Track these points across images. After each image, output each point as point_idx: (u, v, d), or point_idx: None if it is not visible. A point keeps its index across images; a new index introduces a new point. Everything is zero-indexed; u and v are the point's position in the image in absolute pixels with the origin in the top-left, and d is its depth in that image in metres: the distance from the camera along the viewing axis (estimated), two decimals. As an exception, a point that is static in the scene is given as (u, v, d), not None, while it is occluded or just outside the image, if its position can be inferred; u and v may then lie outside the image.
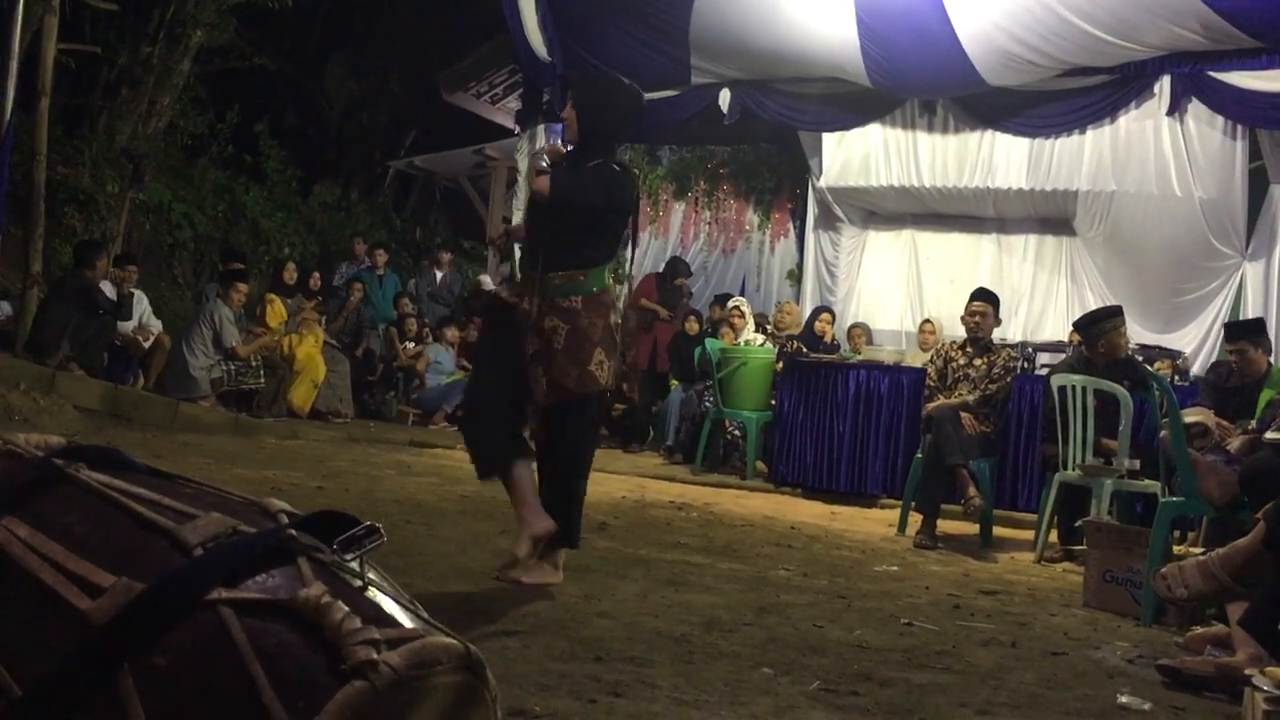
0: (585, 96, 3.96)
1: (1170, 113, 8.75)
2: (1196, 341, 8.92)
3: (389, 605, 1.28)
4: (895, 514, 6.59)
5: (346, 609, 1.19)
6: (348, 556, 1.31)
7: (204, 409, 8.58)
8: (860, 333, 9.90)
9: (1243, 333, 5.85)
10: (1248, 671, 2.94)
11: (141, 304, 9.15)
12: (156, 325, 9.23)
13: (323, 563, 1.28)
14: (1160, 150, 9.03)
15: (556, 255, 3.75)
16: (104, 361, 8.53)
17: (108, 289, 8.61)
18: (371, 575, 1.31)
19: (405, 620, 1.26)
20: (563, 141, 4.16)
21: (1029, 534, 6.25)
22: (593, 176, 3.78)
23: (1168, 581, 3.48)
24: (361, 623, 1.19)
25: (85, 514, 1.34)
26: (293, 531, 1.32)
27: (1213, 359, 8.41)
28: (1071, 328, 7.46)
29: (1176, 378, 7.68)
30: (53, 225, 9.68)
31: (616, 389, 4.02)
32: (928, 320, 9.64)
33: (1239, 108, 8.36)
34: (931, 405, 6.30)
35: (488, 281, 4.04)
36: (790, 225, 11.61)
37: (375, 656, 1.15)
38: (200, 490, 1.45)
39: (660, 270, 11.04)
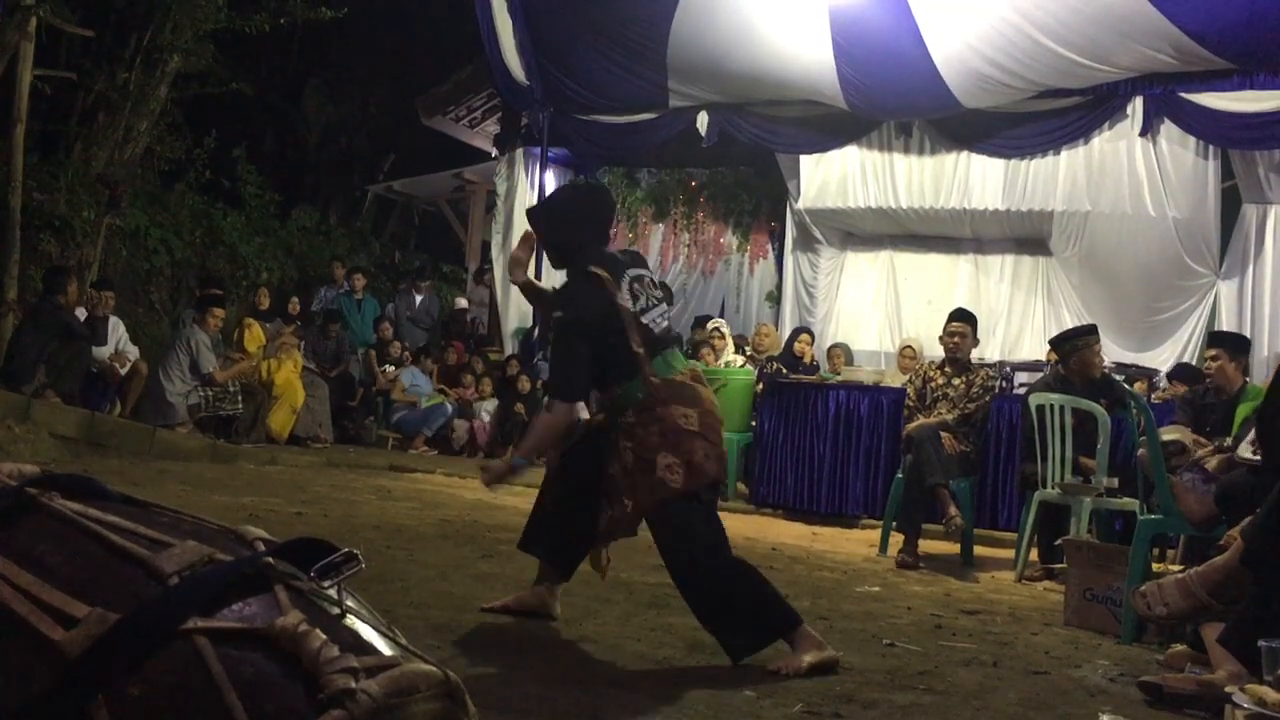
0: (543, 214, 3.86)
1: (1143, 133, 8.84)
2: (1172, 360, 8.97)
3: (367, 632, 1.27)
4: (876, 534, 6.59)
5: (324, 637, 1.19)
6: (325, 584, 1.30)
7: (181, 435, 8.52)
8: (839, 353, 9.92)
9: (1222, 341, 5.90)
10: (1228, 689, 2.95)
11: (118, 330, 9.09)
12: (133, 351, 9.17)
13: (300, 590, 1.27)
14: (1134, 170, 9.11)
15: (599, 381, 3.60)
16: (79, 388, 8.45)
17: (82, 314, 8.55)
18: (349, 602, 1.30)
19: (384, 647, 1.25)
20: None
21: (1009, 553, 6.26)
22: (558, 338, 3.59)
23: (1147, 599, 3.49)
24: (339, 651, 1.18)
25: (59, 543, 1.32)
26: (269, 559, 1.31)
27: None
28: (1048, 346, 7.51)
29: (1151, 395, 7.74)
30: (28, 251, 9.62)
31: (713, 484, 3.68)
32: (908, 345, 9.68)
33: (1211, 128, 8.46)
34: (911, 425, 6.32)
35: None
36: (769, 247, 11.66)
37: (353, 685, 1.14)
38: (176, 518, 1.44)
39: None
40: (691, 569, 3.44)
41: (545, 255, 3.84)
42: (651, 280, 3.70)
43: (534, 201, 11.14)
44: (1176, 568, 4.20)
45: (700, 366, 8.59)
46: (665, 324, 3.64)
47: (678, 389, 3.51)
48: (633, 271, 3.62)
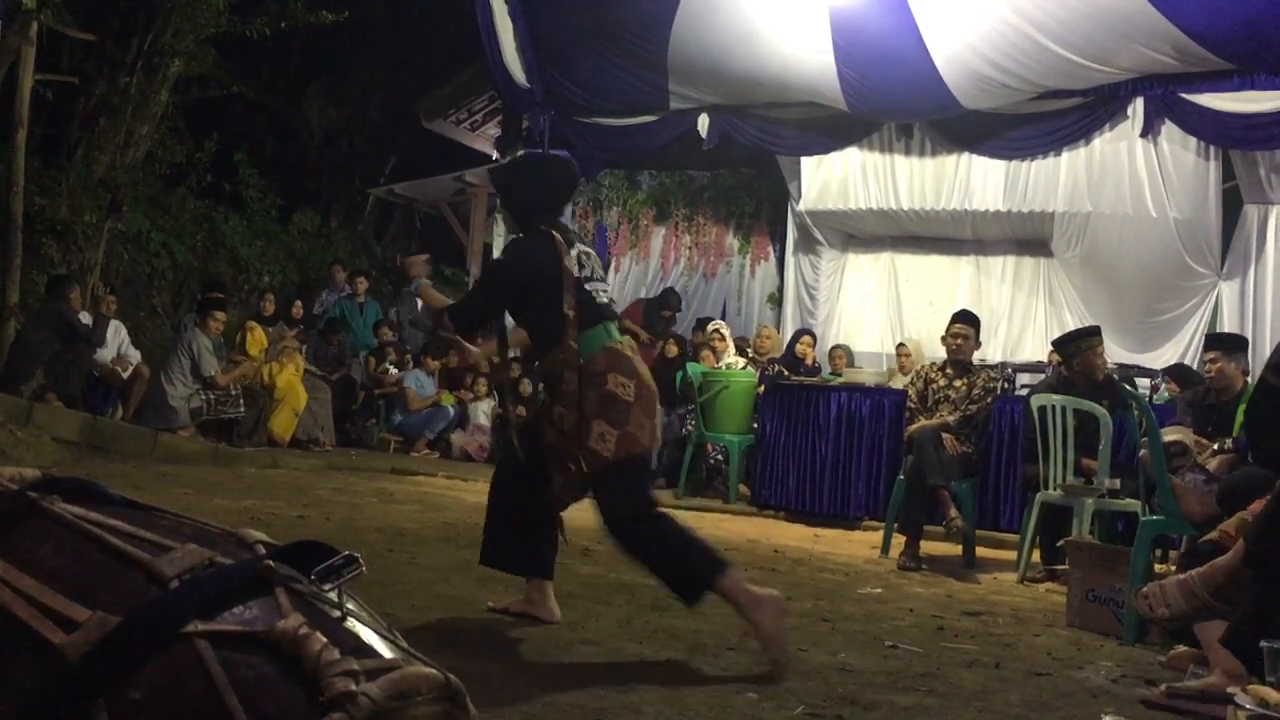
0: (504, 182, 4.00)
1: (1144, 134, 8.83)
2: (1174, 361, 8.96)
3: (368, 635, 1.27)
4: (878, 536, 6.59)
5: (325, 640, 1.19)
6: (326, 587, 1.30)
7: (183, 439, 8.52)
8: (841, 355, 9.92)
9: (1220, 343, 5.91)
10: (1230, 690, 2.94)
11: (120, 334, 9.09)
12: (135, 355, 9.17)
13: (301, 593, 1.28)
14: (1135, 171, 9.11)
15: (535, 341, 3.74)
16: (81, 391, 8.46)
17: (85, 318, 8.56)
18: (350, 605, 1.30)
19: (384, 650, 1.25)
20: None
21: (1011, 554, 6.26)
22: (483, 278, 3.82)
23: (1149, 601, 3.49)
24: (340, 654, 1.18)
25: (60, 547, 1.33)
26: (270, 562, 1.31)
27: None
28: (1050, 347, 7.51)
29: (1152, 396, 7.73)
30: (30, 256, 9.62)
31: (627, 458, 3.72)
32: (902, 343, 9.69)
33: (1212, 129, 8.46)
34: (913, 427, 6.31)
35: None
36: (770, 249, 11.66)
37: (354, 688, 1.14)
38: (177, 522, 1.44)
39: (651, 297, 11.16)
40: (628, 535, 3.57)
41: (505, 216, 3.92)
42: (599, 262, 3.83)
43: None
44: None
45: (701, 369, 8.65)
46: (606, 299, 3.74)
47: (617, 358, 3.59)
48: (582, 246, 3.78)
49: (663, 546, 3.55)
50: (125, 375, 8.88)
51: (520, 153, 3.91)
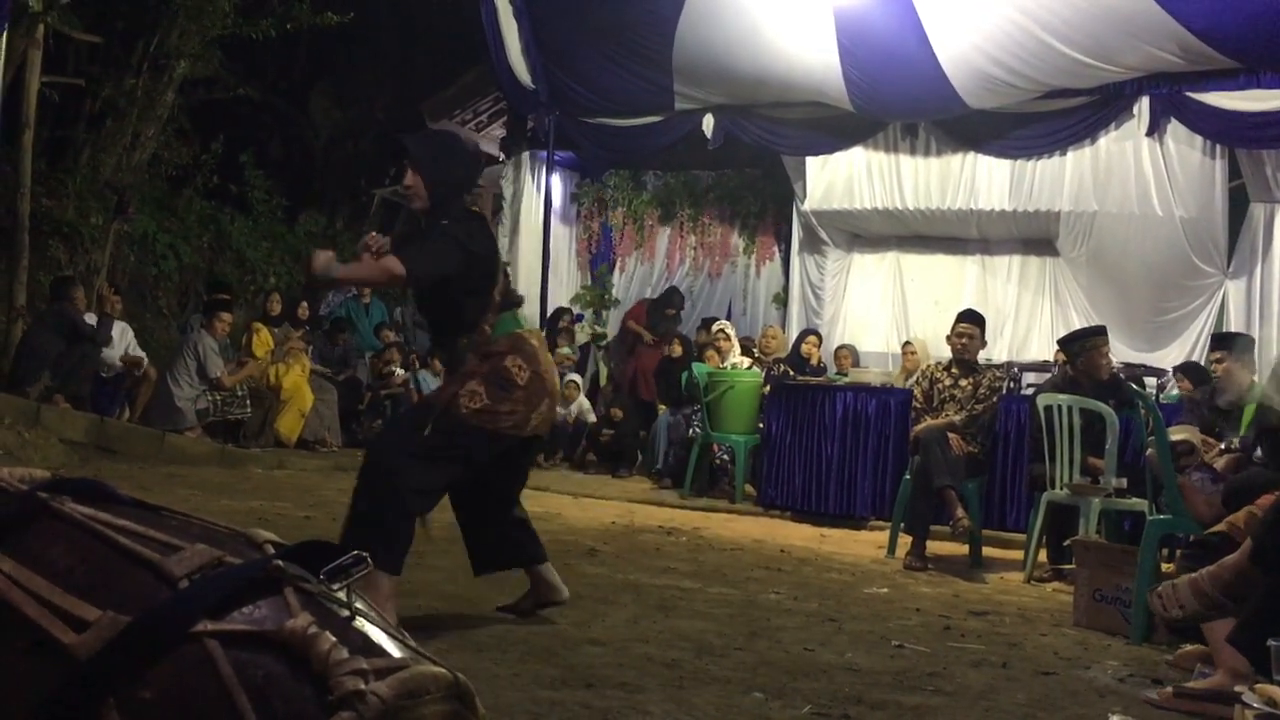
0: (423, 152, 3.74)
1: (1150, 133, 8.83)
2: (1180, 360, 8.95)
3: (377, 635, 1.27)
4: (884, 536, 6.59)
5: (333, 639, 1.19)
6: (335, 586, 1.30)
7: (190, 440, 8.53)
8: (847, 355, 9.92)
9: (1226, 343, 5.90)
10: (1238, 689, 2.94)
11: (126, 335, 9.10)
12: (142, 357, 9.18)
13: (309, 593, 1.28)
14: (1141, 170, 9.09)
15: (447, 324, 3.72)
16: (89, 392, 8.47)
17: (90, 318, 8.58)
18: (359, 604, 1.31)
19: (393, 650, 1.25)
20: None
21: (1018, 554, 6.25)
22: (447, 239, 3.56)
23: (1163, 600, 3.48)
24: (349, 653, 1.18)
25: (70, 547, 1.33)
26: (279, 562, 1.31)
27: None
28: (1056, 346, 7.50)
29: (1159, 394, 7.72)
30: (37, 258, 9.65)
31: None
32: (908, 343, 9.68)
33: (1218, 127, 8.45)
34: (919, 427, 6.31)
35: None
36: (775, 249, 11.64)
37: (363, 687, 1.15)
38: (186, 522, 1.45)
39: (655, 297, 11.17)
40: (376, 471, 3.48)
41: (420, 190, 3.68)
42: None
43: (539, 207, 11.18)
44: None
45: (707, 369, 8.65)
46: (512, 286, 3.83)
47: (520, 342, 3.65)
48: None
49: (379, 506, 3.44)
50: (140, 371, 8.88)
51: (433, 132, 3.78)
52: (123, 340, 8.99)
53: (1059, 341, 6.89)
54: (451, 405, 3.49)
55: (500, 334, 3.64)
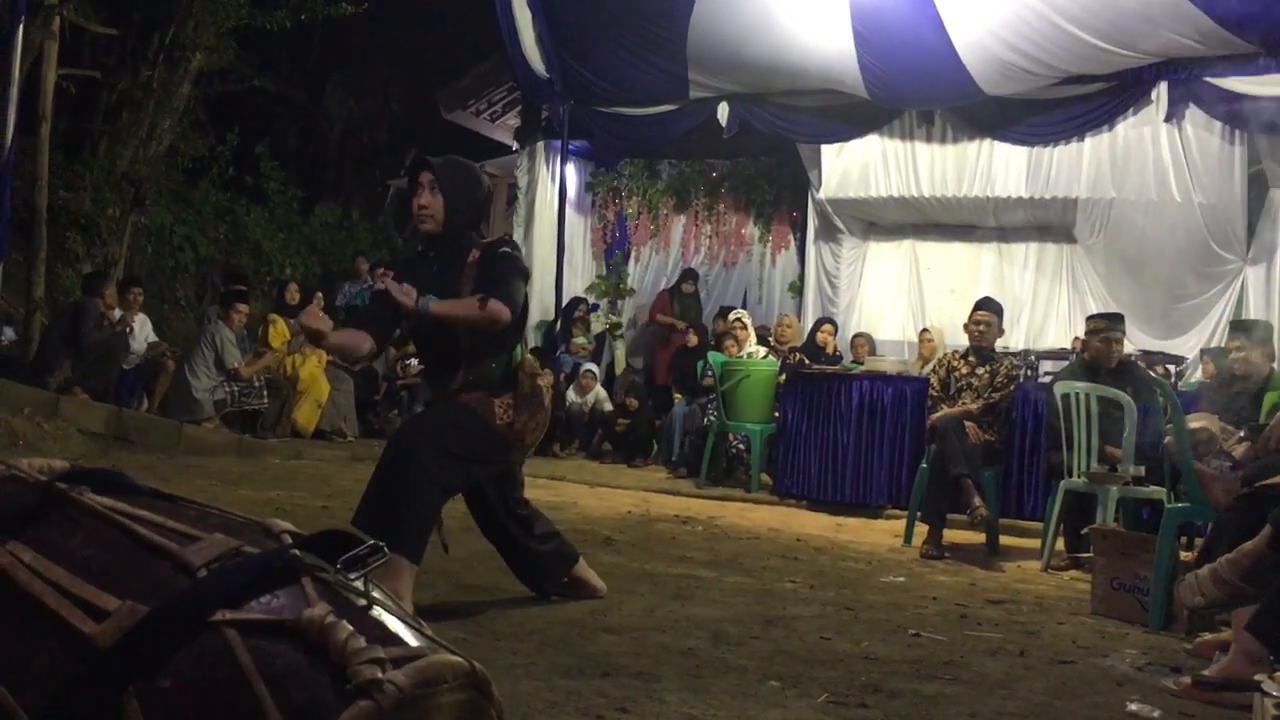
0: (446, 175, 3.61)
1: (1168, 119, 8.76)
2: (1199, 347, 8.91)
3: (394, 624, 1.28)
4: (901, 524, 6.57)
5: (351, 628, 1.19)
6: (352, 575, 1.31)
7: (208, 431, 8.58)
8: (863, 343, 9.90)
9: (1244, 330, 5.86)
10: (1257, 677, 2.93)
11: (145, 327, 9.16)
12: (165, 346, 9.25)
13: (327, 582, 1.29)
14: (1159, 157, 9.04)
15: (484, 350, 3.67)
16: (113, 384, 8.53)
17: (116, 314, 8.63)
18: (376, 594, 1.31)
19: (410, 638, 1.26)
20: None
21: (1035, 542, 6.23)
22: (516, 270, 3.61)
23: (1188, 589, 3.47)
24: (366, 642, 1.19)
25: (89, 537, 1.34)
26: (296, 551, 1.32)
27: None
28: (1073, 335, 7.46)
29: (1178, 381, 7.67)
30: (55, 250, 9.70)
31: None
32: (925, 329, 9.64)
33: (1236, 112, 8.38)
34: (935, 415, 6.29)
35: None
36: (791, 237, 11.63)
37: (380, 676, 1.15)
38: (204, 512, 1.45)
39: (670, 285, 11.24)
40: (408, 455, 3.44)
41: (438, 212, 3.60)
42: None
43: (554, 196, 11.18)
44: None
45: (723, 358, 8.65)
46: None
47: (534, 364, 3.85)
48: None
49: (404, 494, 3.41)
50: (165, 358, 8.93)
51: (439, 158, 3.63)
52: (142, 332, 9.06)
53: (1087, 318, 6.85)
54: (488, 413, 3.59)
55: (522, 356, 3.78)
